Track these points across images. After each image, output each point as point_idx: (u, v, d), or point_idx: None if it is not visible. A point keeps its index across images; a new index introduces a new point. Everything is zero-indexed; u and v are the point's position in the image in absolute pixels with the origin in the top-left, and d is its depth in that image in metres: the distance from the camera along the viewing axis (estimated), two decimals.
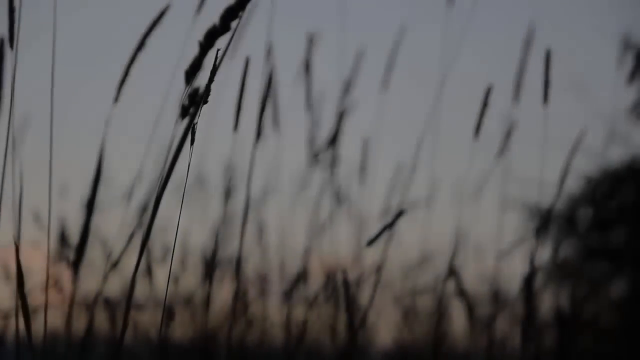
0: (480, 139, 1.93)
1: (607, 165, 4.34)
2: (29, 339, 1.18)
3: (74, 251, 1.49)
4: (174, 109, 0.99)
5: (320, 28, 2.38)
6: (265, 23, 1.65)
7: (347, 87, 2.36)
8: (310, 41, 2.36)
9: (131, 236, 1.62)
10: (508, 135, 2.14)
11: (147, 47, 1.43)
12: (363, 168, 2.44)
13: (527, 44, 2.03)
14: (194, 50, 1.02)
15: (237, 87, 1.56)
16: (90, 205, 1.48)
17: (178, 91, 1.43)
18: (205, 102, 0.98)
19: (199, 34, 1.02)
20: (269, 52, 2.23)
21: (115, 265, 1.60)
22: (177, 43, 1.46)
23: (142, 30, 1.44)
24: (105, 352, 2.72)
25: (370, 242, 1.62)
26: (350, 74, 2.36)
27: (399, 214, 1.60)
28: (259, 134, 1.73)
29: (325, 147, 2.41)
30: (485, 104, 1.87)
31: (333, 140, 2.39)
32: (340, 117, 2.37)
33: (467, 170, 2.07)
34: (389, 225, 1.60)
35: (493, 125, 2.01)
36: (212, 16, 1.00)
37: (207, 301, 2.65)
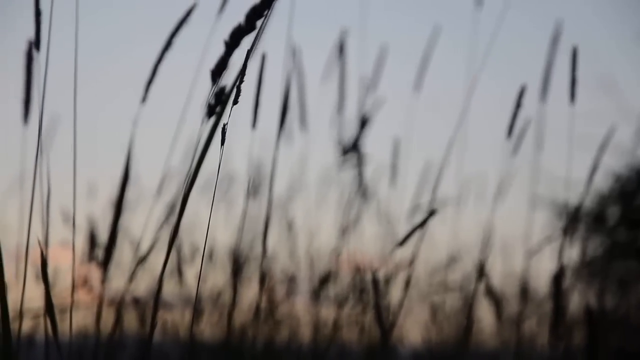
0: (511, 138, 1.93)
1: (636, 163, 4.31)
2: (55, 339, 1.19)
3: (102, 251, 1.50)
4: (200, 109, 0.99)
5: (343, 27, 2.37)
6: (286, 22, 1.65)
7: (371, 87, 2.35)
8: (344, 36, 2.34)
9: (160, 235, 1.62)
10: (538, 134, 2.13)
11: (173, 47, 1.43)
12: (394, 168, 2.43)
13: (554, 42, 2.01)
14: (219, 50, 1.02)
15: (258, 84, 1.56)
16: (118, 205, 1.49)
17: (203, 90, 1.44)
18: (236, 102, 0.97)
19: (222, 34, 1.01)
20: (293, 50, 2.23)
21: (142, 261, 1.60)
22: (199, 43, 1.46)
23: (168, 29, 1.44)
24: (134, 351, 2.72)
25: (402, 242, 1.61)
26: (374, 73, 2.35)
27: (431, 213, 1.59)
28: (280, 132, 1.73)
29: (351, 146, 2.40)
30: (518, 105, 1.87)
31: (358, 139, 2.38)
32: (365, 116, 2.36)
33: (496, 169, 2.06)
34: (420, 225, 1.59)
35: (522, 124, 2.00)
36: (235, 16, 1.00)
37: (236, 300, 2.65)
